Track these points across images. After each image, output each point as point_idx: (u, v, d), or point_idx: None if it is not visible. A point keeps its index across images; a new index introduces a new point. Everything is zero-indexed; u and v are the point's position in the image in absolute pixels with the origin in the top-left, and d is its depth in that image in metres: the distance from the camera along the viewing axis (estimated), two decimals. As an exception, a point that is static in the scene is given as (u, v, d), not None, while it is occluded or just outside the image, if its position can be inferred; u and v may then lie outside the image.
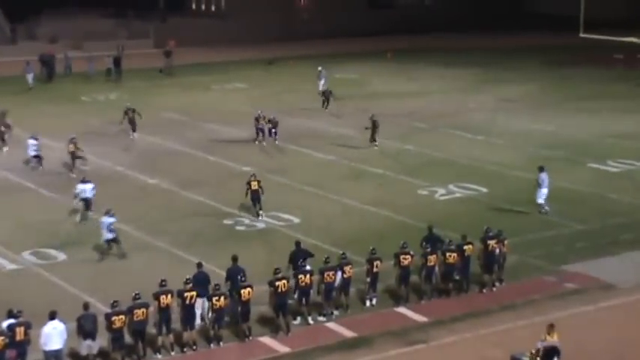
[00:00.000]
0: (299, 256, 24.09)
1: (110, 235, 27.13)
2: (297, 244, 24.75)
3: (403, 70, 61.08)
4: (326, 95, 48.35)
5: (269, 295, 22.62)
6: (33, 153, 36.76)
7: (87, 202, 30.53)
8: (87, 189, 30.65)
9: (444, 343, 22.17)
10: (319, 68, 51.97)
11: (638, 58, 55.65)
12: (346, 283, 23.64)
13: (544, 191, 30.88)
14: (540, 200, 30.95)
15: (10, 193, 33.78)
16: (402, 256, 23.98)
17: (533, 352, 19.76)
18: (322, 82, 51.47)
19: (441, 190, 34.08)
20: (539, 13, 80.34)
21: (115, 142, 40.46)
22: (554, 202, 30.17)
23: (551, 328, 19.89)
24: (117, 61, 58.28)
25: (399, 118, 46.45)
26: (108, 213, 27.38)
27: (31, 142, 37.04)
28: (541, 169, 31.32)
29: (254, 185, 30.82)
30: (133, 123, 41.05)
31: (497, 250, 25.02)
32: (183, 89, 54.44)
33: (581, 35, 54.70)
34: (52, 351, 20.10)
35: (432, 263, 24.22)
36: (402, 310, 23.89)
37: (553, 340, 19.72)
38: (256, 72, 60.09)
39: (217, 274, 23.98)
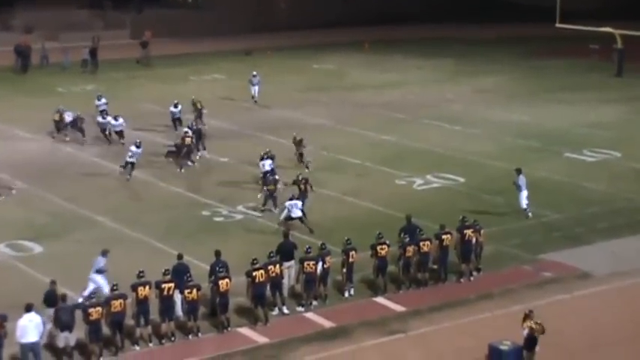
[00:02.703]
0: (288, 248, 24.05)
1: None
2: (285, 235, 24.71)
3: (380, 60, 61.10)
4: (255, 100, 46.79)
5: (246, 285, 22.60)
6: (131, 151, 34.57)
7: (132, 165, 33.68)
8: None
9: (422, 333, 22.26)
10: (254, 73, 47.74)
11: (613, 48, 55.86)
12: (325, 273, 23.66)
13: (524, 194, 29.88)
14: (524, 205, 29.82)
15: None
16: (378, 247, 24.03)
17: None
18: (256, 88, 47.30)
19: (419, 180, 34.16)
20: (515, 4, 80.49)
21: (91, 133, 40.11)
22: (531, 192, 30.28)
23: (526, 316, 20.01)
24: (93, 52, 57.82)
25: (377, 108, 46.49)
26: None
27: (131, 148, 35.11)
28: (519, 172, 30.20)
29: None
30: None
31: (474, 240, 25.13)
32: (161, 80, 54.18)
33: (557, 25, 54.84)
34: (28, 344, 19.99)
35: (410, 254, 24.28)
36: (380, 300, 23.95)
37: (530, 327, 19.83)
38: (234, 63, 59.90)
39: (196, 265, 23.95)
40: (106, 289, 22.61)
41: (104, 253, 23.79)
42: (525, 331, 19.87)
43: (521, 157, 36.34)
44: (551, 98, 48.90)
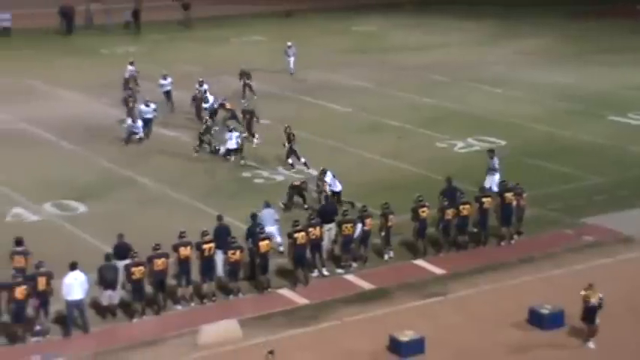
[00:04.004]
0: (329, 210, 24.13)
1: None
2: (327, 198, 24.80)
3: (421, 22, 60.56)
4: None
5: (288, 246, 22.77)
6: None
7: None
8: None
9: (462, 296, 22.31)
10: (288, 44, 45.37)
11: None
12: (366, 235, 23.73)
13: (497, 177, 27.45)
14: (493, 187, 27.00)
15: (30, 146, 33.95)
16: (419, 209, 24.03)
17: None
18: (292, 59, 45.02)
19: (460, 143, 34.01)
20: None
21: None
22: (574, 155, 29.97)
23: (589, 287, 19.80)
24: (136, 14, 58.05)
25: (418, 70, 46.21)
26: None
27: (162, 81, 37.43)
28: (492, 154, 28.31)
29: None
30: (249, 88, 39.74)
31: (515, 203, 25.03)
32: (202, 42, 54.26)
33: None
34: (73, 301, 20.36)
35: (449, 217, 24.27)
36: (420, 262, 24.01)
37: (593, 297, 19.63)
38: (274, 25, 59.77)
39: (237, 227, 24.14)
40: (279, 239, 23.83)
41: (268, 205, 24.59)
42: (588, 303, 19.61)
43: (563, 119, 36.05)
44: (595, 60, 48.23)
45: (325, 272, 23.20)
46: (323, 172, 27.37)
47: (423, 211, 24.04)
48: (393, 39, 55.60)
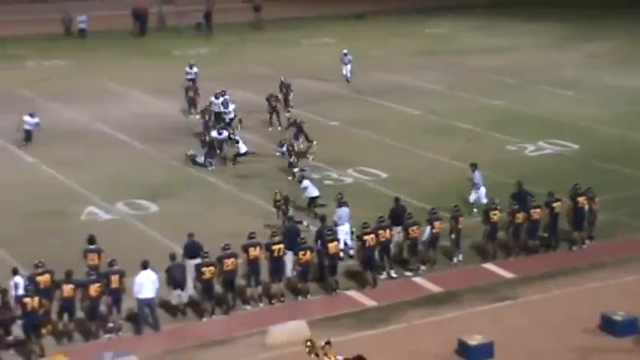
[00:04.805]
0: (399, 212, 24.13)
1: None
2: (397, 200, 24.75)
3: (492, 24, 60.10)
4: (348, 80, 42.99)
5: (356, 248, 22.81)
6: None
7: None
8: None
9: (532, 300, 22.07)
10: (344, 51, 43.62)
11: None
12: (435, 238, 23.65)
13: (483, 190, 26.82)
14: (481, 200, 26.57)
15: (104, 146, 34.57)
16: (491, 212, 23.87)
17: None
18: (348, 67, 43.20)
19: (531, 146, 33.67)
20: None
21: (202, 97, 40.75)
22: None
23: None
24: (207, 16, 58.73)
25: (488, 73, 45.86)
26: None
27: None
28: (474, 168, 27.37)
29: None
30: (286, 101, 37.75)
31: (587, 207, 24.69)
32: (273, 44, 54.60)
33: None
34: (145, 299, 20.67)
35: (519, 220, 24.06)
36: (489, 266, 23.84)
37: None
38: (345, 27, 59.87)
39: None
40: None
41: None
42: None
43: (634, 122, 35.41)
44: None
45: (393, 274, 23.18)
46: (300, 180, 27.43)
47: (495, 214, 23.89)
48: (463, 41, 55.28)
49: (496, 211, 23.92)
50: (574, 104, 39.68)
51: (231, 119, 34.50)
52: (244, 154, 31.77)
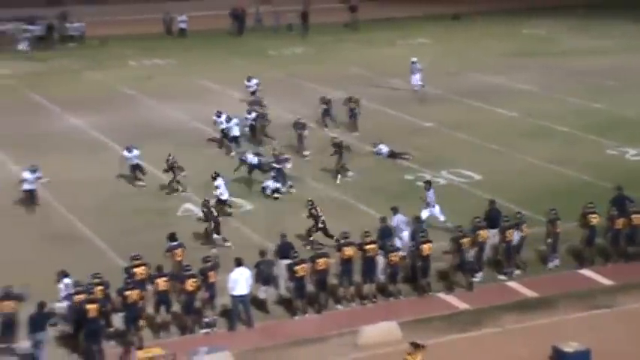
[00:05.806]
0: (494, 215, 23.83)
1: None
2: (492, 202, 24.44)
3: (593, 26, 58.91)
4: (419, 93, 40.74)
5: (452, 251, 22.61)
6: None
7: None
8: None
9: (630, 309, 21.54)
10: (412, 59, 41.19)
11: None
12: (521, 242, 23.30)
13: (437, 209, 25.78)
14: (425, 216, 25.28)
15: (201, 144, 35.00)
16: (590, 216, 23.37)
17: None
18: (417, 76, 40.83)
19: (632, 151, 32.89)
20: None
21: (298, 96, 40.98)
22: None
23: None
24: (304, 16, 59.10)
25: (587, 75, 44.95)
26: None
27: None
28: (428, 186, 26.29)
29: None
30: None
31: (692, 215, 23.97)
32: (368, 44, 54.59)
33: None
34: (239, 296, 20.89)
35: (619, 226, 23.49)
36: (585, 272, 23.37)
37: None
38: (441, 27, 59.49)
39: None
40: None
41: (430, 184, 26.35)
42: None
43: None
44: None
45: (478, 277, 22.87)
46: (215, 176, 27.04)
47: (594, 218, 23.38)
48: (562, 42, 54.33)
49: (595, 215, 23.41)
50: (679, 108, 38.60)
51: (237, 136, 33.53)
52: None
